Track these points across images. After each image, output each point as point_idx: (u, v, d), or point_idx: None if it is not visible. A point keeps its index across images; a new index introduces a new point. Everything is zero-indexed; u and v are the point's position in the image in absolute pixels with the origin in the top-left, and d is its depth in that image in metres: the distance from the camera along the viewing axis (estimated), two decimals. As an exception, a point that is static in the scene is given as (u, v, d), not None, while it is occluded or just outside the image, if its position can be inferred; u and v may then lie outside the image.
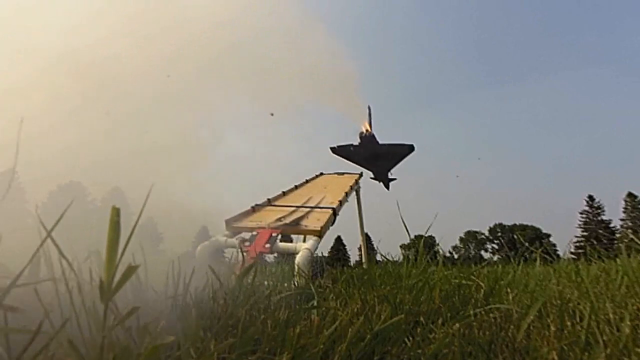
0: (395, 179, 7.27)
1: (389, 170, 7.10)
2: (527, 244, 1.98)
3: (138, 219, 0.56)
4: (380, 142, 7.02)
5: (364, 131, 7.13)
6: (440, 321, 0.93)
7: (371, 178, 7.15)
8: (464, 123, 64.62)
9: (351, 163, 6.94)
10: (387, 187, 7.13)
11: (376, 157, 6.89)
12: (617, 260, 1.67)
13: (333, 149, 7.04)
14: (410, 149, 6.86)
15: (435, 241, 1.71)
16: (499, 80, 63.10)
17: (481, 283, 1.29)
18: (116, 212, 0.46)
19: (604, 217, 37.67)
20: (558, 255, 1.88)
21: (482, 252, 42.15)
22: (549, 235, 38.20)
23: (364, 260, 5.27)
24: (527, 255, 1.87)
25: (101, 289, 0.45)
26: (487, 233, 43.69)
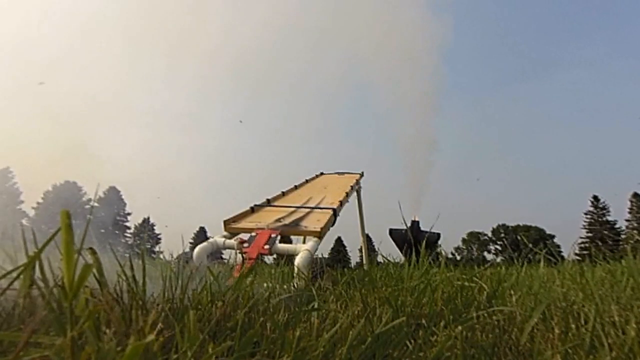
0: None
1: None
2: (530, 245, 1.96)
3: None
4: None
5: (414, 218, 7.59)
6: (442, 324, 0.92)
7: None
8: (465, 123, 64.55)
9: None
10: None
11: (417, 244, 7.12)
12: (623, 261, 1.65)
13: (390, 232, 7.40)
14: (438, 237, 7.24)
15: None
16: (500, 80, 63.08)
17: (484, 285, 1.27)
18: (66, 215, 0.47)
19: (609, 218, 37.47)
20: (562, 257, 1.86)
21: (485, 254, 41.99)
22: (553, 236, 37.97)
23: (364, 261, 5.25)
24: (531, 257, 1.85)
25: (63, 291, 0.47)
26: (490, 234, 43.56)
